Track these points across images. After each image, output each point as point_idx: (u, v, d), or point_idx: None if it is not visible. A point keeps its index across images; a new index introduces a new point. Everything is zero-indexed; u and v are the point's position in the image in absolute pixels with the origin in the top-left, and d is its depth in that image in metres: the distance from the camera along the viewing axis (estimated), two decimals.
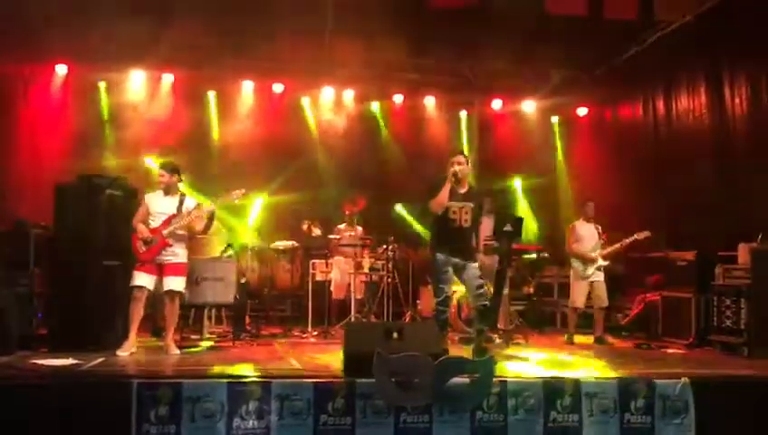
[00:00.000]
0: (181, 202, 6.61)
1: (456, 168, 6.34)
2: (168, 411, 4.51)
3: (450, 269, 6.45)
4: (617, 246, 8.31)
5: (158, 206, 6.56)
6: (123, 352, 6.16)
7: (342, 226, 9.55)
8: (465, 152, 6.84)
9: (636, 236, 8.24)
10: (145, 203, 6.58)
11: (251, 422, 4.61)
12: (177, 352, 6.49)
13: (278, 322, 9.20)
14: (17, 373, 5.05)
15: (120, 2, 9.00)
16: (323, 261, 9.08)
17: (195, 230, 6.65)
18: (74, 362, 5.55)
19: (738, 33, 8.44)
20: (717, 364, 6.56)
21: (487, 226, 8.21)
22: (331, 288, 9.15)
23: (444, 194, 6.31)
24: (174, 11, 9.29)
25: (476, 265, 6.52)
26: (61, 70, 10.50)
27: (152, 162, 10.12)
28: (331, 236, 9.31)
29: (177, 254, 6.55)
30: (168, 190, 6.61)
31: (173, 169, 6.66)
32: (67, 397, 4.54)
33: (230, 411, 4.59)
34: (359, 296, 8.94)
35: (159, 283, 6.48)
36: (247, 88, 11.41)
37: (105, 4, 9.03)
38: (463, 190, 6.46)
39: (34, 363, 5.46)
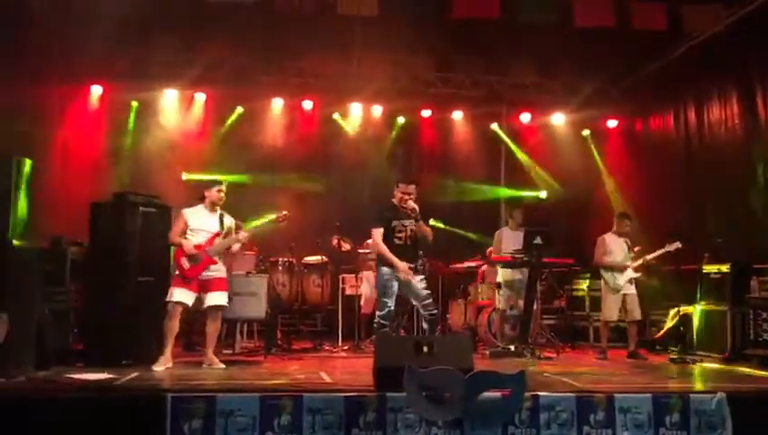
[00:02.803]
0: (221, 219, 6.66)
1: (412, 204, 6.35)
2: (201, 425, 4.55)
3: (395, 284, 6.44)
4: (647, 257, 8.19)
5: (200, 222, 6.56)
6: (159, 368, 6.21)
7: (370, 241, 9.56)
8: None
9: (667, 247, 8.08)
10: (183, 217, 6.55)
11: None
12: (222, 365, 6.49)
13: (309, 336, 9.24)
14: (54, 387, 5.14)
15: (152, 24, 9.18)
16: (353, 275, 9.10)
17: (231, 251, 6.74)
18: (109, 376, 5.62)
19: None
20: (754, 379, 6.44)
21: (519, 240, 8.20)
22: (361, 303, 9.17)
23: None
24: (205, 32, 9.47)
25: (421, 277, 6.51)
26: (96, 90, 10.73)
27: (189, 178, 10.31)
28: (361, 251, 9.34)
29: (220, 269, 6.60)
30: (213, 207, 6.66)
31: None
32: (102, 411, 4.60)
33: (263, 425, 4.60)
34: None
35: (198, 299, 6.51)
36: (277, 105, 11.55)
37: (138, 27, 9.24)
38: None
39: (71, 378, 5.54)
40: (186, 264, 6.41)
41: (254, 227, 6.85)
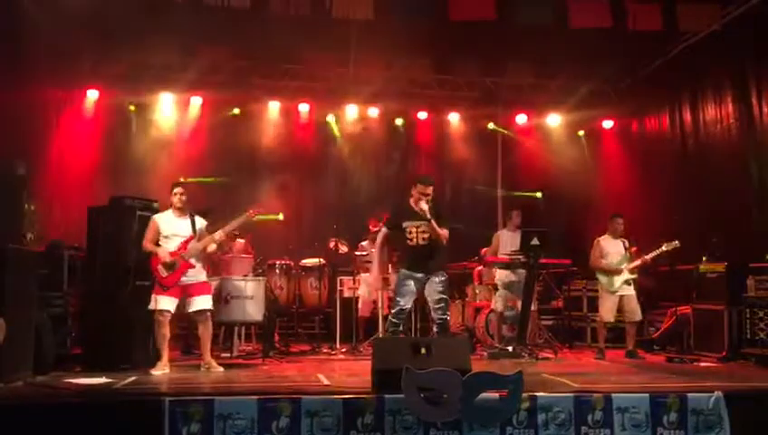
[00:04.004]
0: (193, 223, 6.62)
1: (423, 205, 6.39)
2: (199, 429, 4.55)
3: (411, 283, 6.50)
4: (645, 258, 8.19)
5: (172, 227, 6.53)
6: (157, 372, 6.22)
7: (365, 243, 9.58)
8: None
9: (664, 247, 8.08)
10: (155, 224, 6.51)
11: None
12: (221, 369, 6.50)
13: (306, 339, 9.22)
14: (52, 392, 5.14)
15: (148, 28, 9.18)
16: (350, 278, 9.11)
17: (207, 253, 6.67)
18: (107, 380, 5.64)
19: (764, 41, 8.37)
20: (752, 377, 6.46)
21: (514, 240, 8.21)
22: (359, 305, 9.16)
23: None
24: (201, 36, 9.48)
25: (440, 279, 6.53)
26: (92, 94, 10.72)
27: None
28: (358, 253, 9.34)
29: (199, 273, 6.59)
30: (181, 211, 6.62)
31: (186, 188, 6.71)
32: (100, 415, 4.60)
33: (261, 428, 4.61)
34: (386, 313, 8.94)
35: (183, 303, 6.49)
36: (273, 108, 11.56)
37: (134, 31, 9.24)
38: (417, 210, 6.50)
39: (69, 382, 5.55)
40: (163, 272, 6.37)
41: (230, 224, 6.73)
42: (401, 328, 6.59)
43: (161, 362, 6.33)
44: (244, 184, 10.89)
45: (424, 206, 6.38)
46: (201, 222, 6.71)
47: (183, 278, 6.45)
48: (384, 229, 6.63)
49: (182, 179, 10.44)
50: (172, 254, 6.42)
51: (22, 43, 8.83)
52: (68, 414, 4.59)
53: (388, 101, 11.62)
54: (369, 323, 9.21)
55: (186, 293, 6.48)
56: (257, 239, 9.18)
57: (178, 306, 6.48)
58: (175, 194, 6.61)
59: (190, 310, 6.53)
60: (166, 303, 6.35)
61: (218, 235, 6.63)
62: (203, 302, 6.55)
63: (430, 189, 6.48)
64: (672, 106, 10.67)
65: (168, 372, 6.30)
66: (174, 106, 11.19)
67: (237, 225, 6.80)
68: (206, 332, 6.61)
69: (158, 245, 6.45)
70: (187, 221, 6.62)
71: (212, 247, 6.65)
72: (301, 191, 11.16)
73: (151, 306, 6.36)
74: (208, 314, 6.62)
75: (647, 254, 8.20)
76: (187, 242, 6.52)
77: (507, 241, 8.59)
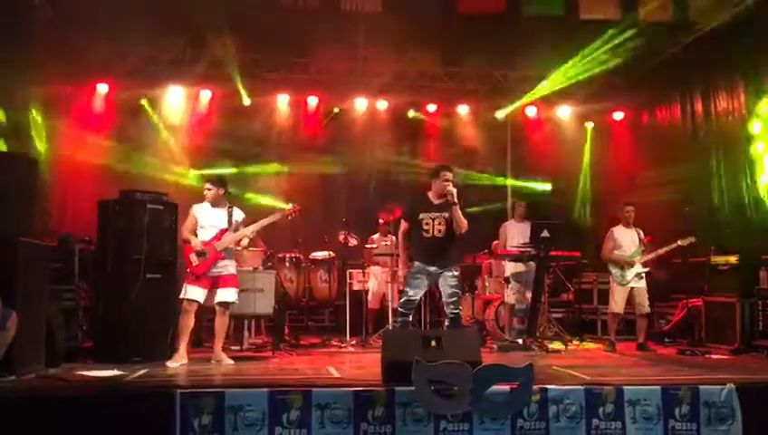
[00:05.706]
0: (230, 215, 6.70)
1: (452, 187, 6.37)
2: (210, 421, 4.57)
3: (423, 277, 6.46)
4: (658, 252, 8.13)
5: (208, 218, 6.64)
6: (173, 364, 6.25)
7: (376, 236, 9.58)
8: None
9: (679, 242, 8.00)
10: (193, 214, 6.65)
11: (292, 431, 4.65)
12: (231, 361, 6.54)
13: (316, 332, 9.25)
14: (64, 385, 5.18)
15: (158, 21, 9.19)
16: (360, 271, 9.11)
17: (241, 245, 6.80)
18: (119, 373, 5.67)
19: None
20: (764, 370, 6.42)
21: (524, 232, 8.20)
22: (368, 298, 9.17)
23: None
24: (211, 29, 9.48)
25: (454, 273, 6.49)
26: (102, 88, 10.73)
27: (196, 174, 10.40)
28: (368, 246, 9.34)
29: (229, 265, 6.65)
30: (216, 203, 6.70)
31: (220, 183, 6.76)
32: (112, 407, 4.63)
33: (272, 420, 4.63)
34: (395, 305, 8.94)
35: (209, 295, 6.56)
36: (282, 101, 11.55)
37: (144, 25, 9.24)
38: (438, 201, 6.50)
39: (81, 375, 5.58)
40: (194, 260, 6.47)
41: (264, 220, 6.80)
42: (410, 319, 6.58)
43: (178, 354, 6.37)
44: (254, 176, 10.94)
45: (452, 189, 6.35)
46: (239, 215, 6.79)
47: (213, 269, 6.53)
48: (404, 222, 6.61)
49: (191, 173, 10.63)
50: (205, 243, 6.51)
51: (33, 39, 8.86)
52: (80, 406, 4.62)
53: (397, 93, 11.58)
54: (378, 316, 9.22)
55: (213, 284, 6.56)
56: (267, 232, 9.18)
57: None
58: (204, 188, 6.75)
59: (214, 301, 6.58)
60: (194, 292, 6.44)
61: (250, 229, 6.71)
62: (228, 294, 6.60)
63: (450, 175, 6.49)
64: (683, 97, 10.56)
65: (185, 362, 6.34)
66: (183, 99, 11.20)
67: (271, 221, 6.86)
68: (221, 324, 6.67)
69: (195, 235, 6.56)
70: (224, 213, 6.72)
71: (244, 242, 6.78)
72: (310, 184, 11.15)
73: (181, 295, 6.47)
74: (228, 307, 6.67)
75: (661, 247, 8.15)
76: (221, 233, 6.61)
77: (514, 232, 8.62)
